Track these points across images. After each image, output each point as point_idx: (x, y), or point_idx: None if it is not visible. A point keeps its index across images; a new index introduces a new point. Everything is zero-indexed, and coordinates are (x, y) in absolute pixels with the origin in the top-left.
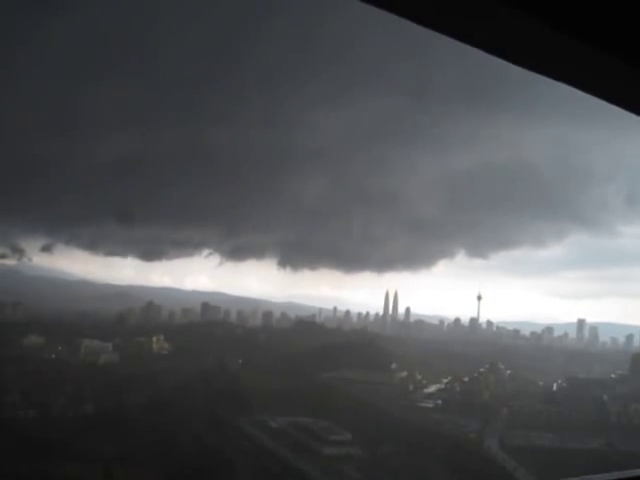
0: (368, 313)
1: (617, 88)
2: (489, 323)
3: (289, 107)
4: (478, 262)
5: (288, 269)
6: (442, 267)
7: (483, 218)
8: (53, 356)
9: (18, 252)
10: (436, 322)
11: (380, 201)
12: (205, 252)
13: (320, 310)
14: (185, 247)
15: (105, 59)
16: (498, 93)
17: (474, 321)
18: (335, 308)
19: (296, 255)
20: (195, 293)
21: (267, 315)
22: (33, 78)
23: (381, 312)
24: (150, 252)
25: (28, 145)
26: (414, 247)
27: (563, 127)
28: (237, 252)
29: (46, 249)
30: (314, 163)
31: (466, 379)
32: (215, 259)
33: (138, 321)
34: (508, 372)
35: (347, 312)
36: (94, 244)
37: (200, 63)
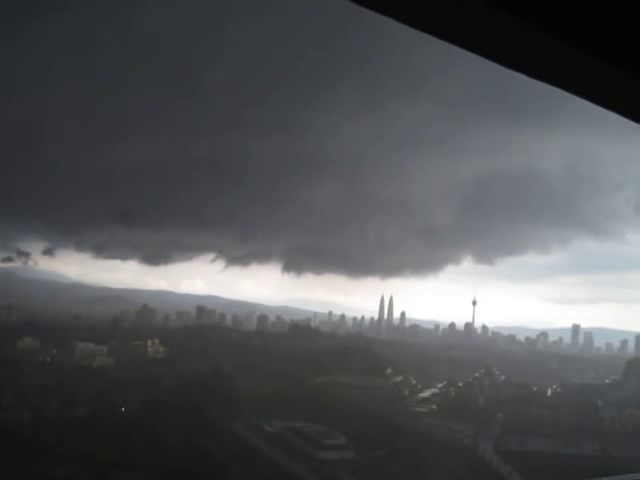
0: (363, 317)
1: (616, 95)
2: (484, 328)
3: (307, 114)
4: (474, 267)
5: (292, 274)
6: (439, 273)
7: (490, 225)
8: (48, 359)
9: (23, 255)
10: (431, 327)
11: (389, 208)
12: (209, 256)
13: (315, 314)
14: (190, 252)
15: (123, 64)
16: (512, 104)
17: (469, 326)
18: (330, 312)
19: (302, 260)
20: (191, 297)
21: (262, 319)
22: (47, 81)
23: (376, 317)
24: (153, 256)
25: (42, 150)
26: (416, 253)
27: (575, 137)
28: (242, 257)
29: (48, 252)
30: (328, 170)
31: (461, 384)
32: (219, 263)
33: (133, 324)
34: (503, 377)
35: (342, 316)
36: (97, 248)
37: (219, 69)
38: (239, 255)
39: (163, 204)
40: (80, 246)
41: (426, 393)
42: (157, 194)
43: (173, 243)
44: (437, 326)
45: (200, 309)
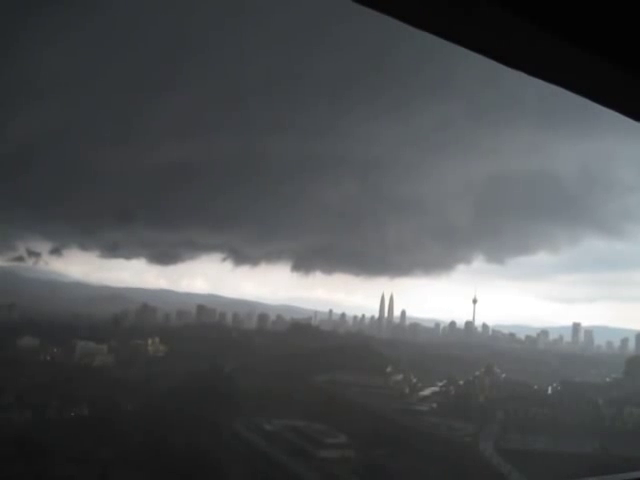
0: (364, 316)
1: (617, 94)
2: (484, 326)
3: (327, 114)
4: (474, 266)
5: (301, 273)
6: (451, 273)
7: (501, 226)
8: (48, 358)
9: (34, 255)
10: (431, 325)
11: (402, 207)
12: (218, 256)
13: (316, 313)
14: (201, 251)
15: (145, 65)
16: (527, 105)
17: (469, 324)
18: (331, 311)
19: (313, 260)
20: (193, 295)
21: (262, 318)
22: (63, 82)
23: (376, 315)
24: (161, 255)
25: (60, 151)
26: (427, 253)
27: (590, 139)
28: (253, 256)
29: (55, 252)
30: (344, 170)
31: (461, 382)
32: (228, 263)
33: (134, 323)
34: (503, 375)
35: (343, 315)
36: (109, 248)
37: (237, 69)
38: (251, 255)
39: (179, 204)
40: (90, 246)
41: (426, 392)
42: (174, 194)
43: (184, 242)
44: (437, 325)
45: (200, 308)
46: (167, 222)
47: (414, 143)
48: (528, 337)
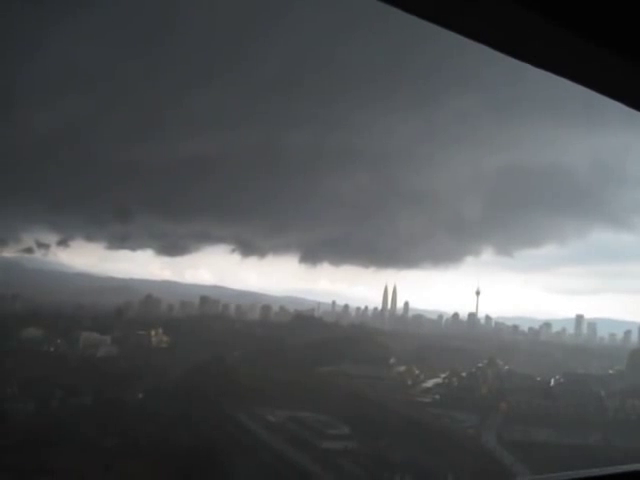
0: (367, 307)
1: (619, 84)
2: (487, 318)
3: (340, 107)
4: (482, 258)
5: (308, 265)
6: (447, 264)
7: (510, 218)
8: (52, 349)
9: (43, 247)
10: (434, 317)
11: (411, 200)
12: (225, 248)
13: (319, 304)
14: (208, 242)
15: (159, 59)
16: (539, 99)
17: (472, 316)
18: (334, 302)
19: (321, 252)
20: (197, 287)
21: (265, 309)
22: (72, 79)
23: (379, 307)
24: (169, 247)
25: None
26: (435, 245)
27: (602, 133)
28: (261, 248)
29: (62, 243)
30: (357, 163)
31: (464, 374)
32: (236, 254)
33: (137, 314)
34: (506, 367)
35: (346, 306)
36: (119, 239)
37: (250, 63)
38: (259, 246)
39: (189, 196)
40: (96, 237)
41: (429, 383)
42: (184, 187)
43: (192, 235)
44: (440, 316)
45: (203, 299)
46: (176, 214)
47: (427, 137)
48: (531, 329)
